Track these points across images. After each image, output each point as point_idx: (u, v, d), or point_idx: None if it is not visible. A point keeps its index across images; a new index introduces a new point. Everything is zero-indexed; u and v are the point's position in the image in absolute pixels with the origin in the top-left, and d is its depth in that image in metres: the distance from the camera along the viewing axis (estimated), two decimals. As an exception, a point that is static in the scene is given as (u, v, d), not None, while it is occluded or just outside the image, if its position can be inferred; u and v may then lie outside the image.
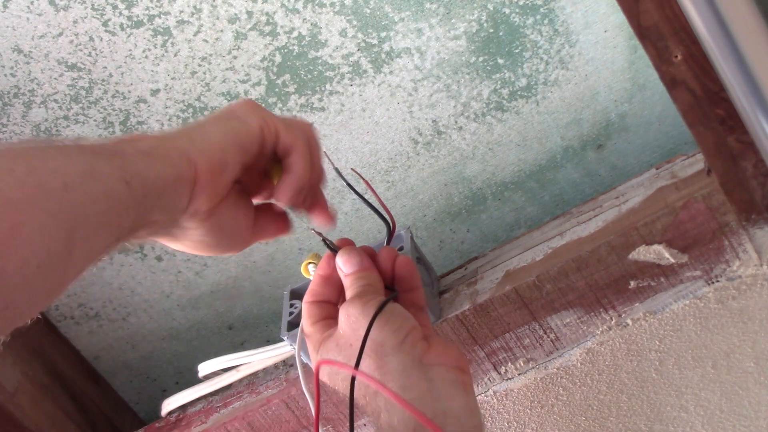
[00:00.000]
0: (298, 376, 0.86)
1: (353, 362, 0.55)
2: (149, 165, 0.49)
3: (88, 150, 0.47)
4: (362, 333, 0.55)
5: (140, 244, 0.56)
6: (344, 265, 0.61)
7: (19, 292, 0.40)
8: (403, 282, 0.63)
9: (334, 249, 0.63)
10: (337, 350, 0.57)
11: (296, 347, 0.66)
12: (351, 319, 0.56)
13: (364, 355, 0.55)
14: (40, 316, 1.07)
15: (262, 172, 0.61)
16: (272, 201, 0.61)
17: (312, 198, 0.62)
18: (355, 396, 0.55)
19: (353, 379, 0.55)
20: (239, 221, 0.58)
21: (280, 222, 0.63)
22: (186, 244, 0.56)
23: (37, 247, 0.41)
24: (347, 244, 0.63)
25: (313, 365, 0.60)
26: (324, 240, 0.63)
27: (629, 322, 0.83)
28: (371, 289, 0.59)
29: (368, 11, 0.87)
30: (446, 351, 0.57)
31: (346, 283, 0.61)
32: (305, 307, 0.61)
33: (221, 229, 0.56)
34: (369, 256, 0.62)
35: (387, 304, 0.57)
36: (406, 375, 0.54)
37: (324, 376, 0.58)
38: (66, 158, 0.45)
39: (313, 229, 0.66)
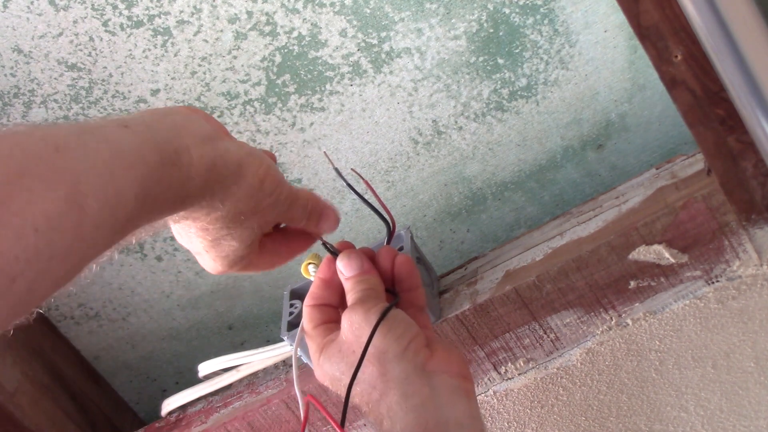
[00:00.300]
0: (298, 376, 0.86)
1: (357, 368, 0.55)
2: (145, 114, 0.49)
3: (76, 121, 0.46)
4: (365, 340, 0.55)
5: (196, 205, 0.51)
6: (345, 269, 0.61)
7: (22, 262, 0.38)
8: (403, 282, 0.63)
9: (334, 252, 0.62)
10: (339, 356, 0.57)
11: (293, 349, 0.66)
12: (354, 326, 0.56)
13: (367, 363, 0.55)
14: (39, 314, 1.07)
15: None
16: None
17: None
18: (357, 402, 0.56)
19: (346, 396, 0.55)
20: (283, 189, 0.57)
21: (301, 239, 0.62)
22: (228, 213, 0.53)
23: (30, 213, 0.39)
24: (347, 247, 0.63)
25: (313, 366, 0.60)
26: (324, 243, 0.63)
27: (629, 322, 0.83)
28: (372, 294, 0.59)
29: (368, 11, 0.87)
30: (449, 358, 0.57)
31: (347, 286, 0.61)
32: (306, 310, 0.61)
33: (264, 190, 0.54)
34: (369, 257, 0.62)
35: (390, 310, 0.57)
36: (409, 383, 0.55)
37: (326, 381, 0.59)
38: (54, 126, 0.44)
39: None
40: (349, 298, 0.60)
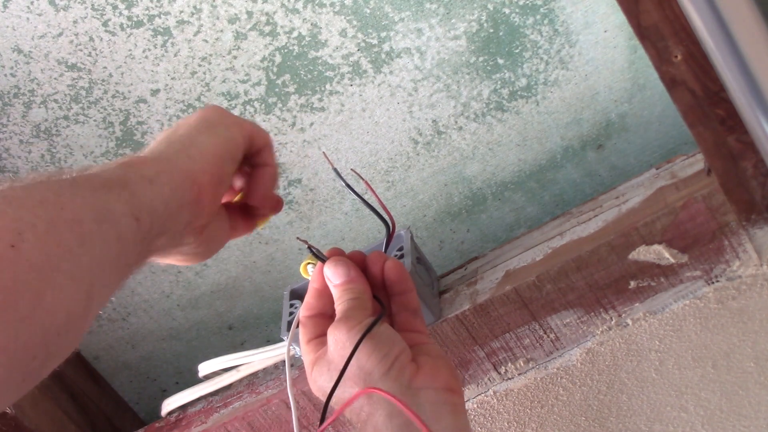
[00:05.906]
0: (297, 376, 0.86)
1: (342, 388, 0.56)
2: (156, 194, 0.49)
3: (99, 185, 0.46)
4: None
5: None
6: (332, 276, 0.61)
7: (38, 362, 0.39)
8: (394, 286, 0.62)
9: (322, 259, 0.62)
10: (328, 375, 0.57)
11: (287, 349, 0.66)
12: (338, 345, 0.57)
13: (353, 383, 0.56)
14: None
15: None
16: (252, 200, 0.61)
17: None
18: (349, 418, 0.57)
19: (327, 403, 0.56)
20: (224, 226, 0.59)
21: (248, 218, 0.63)
22: (177, 258, 0.56)
23: (58, 314, 0.39)
24: (336, 253, 0.63)
25: (307, 378, 0.60)
26: (310, 248, 0.62)
27: (629, 322, 0.83)
28: (358, 305, 0.59)
29: (368, 11, 0.87)
30: (436, 372, 0.57)
31: (335, 294, 0.61)
32: (301, 321, 0.62)
33: (212, 238, 0.57)
34: (359, 262, 0.62)
35: (373, 327, 0.57)
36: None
37: (320, 395, 0.59)
38: (80, 201, 0.43)
39: (299, 238, 0.66)
40: (337, 307, 0.60)
